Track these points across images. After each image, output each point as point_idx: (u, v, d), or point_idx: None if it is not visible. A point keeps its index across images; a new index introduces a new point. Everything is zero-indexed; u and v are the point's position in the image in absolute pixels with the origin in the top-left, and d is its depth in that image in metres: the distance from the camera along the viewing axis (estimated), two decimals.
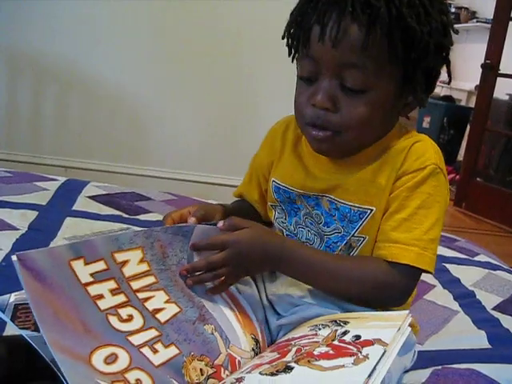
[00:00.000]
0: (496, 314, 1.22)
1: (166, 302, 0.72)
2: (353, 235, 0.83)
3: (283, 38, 0.82)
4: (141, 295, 0.70)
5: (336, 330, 0.69)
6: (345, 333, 0.67)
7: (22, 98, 2.80)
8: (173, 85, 2.80)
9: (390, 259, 0.78)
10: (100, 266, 0.68)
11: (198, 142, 2.87)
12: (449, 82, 0.87)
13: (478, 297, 1.31)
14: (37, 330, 0.67)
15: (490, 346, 1.05)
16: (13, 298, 0.74)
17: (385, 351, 0.60)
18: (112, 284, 0.68)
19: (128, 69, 2.78)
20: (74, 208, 1.48)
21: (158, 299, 0.71)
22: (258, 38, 2.53)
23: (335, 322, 0.73)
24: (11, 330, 0.82)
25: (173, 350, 0.67)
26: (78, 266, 0.65)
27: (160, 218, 1.52)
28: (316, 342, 0.67)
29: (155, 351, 0.65)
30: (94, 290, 0.65)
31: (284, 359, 0.64)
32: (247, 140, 2.49)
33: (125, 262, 0.71)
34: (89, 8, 2.67)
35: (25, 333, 0.63)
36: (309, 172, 0.87)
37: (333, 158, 0.85)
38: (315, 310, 0.80)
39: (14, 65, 2.76)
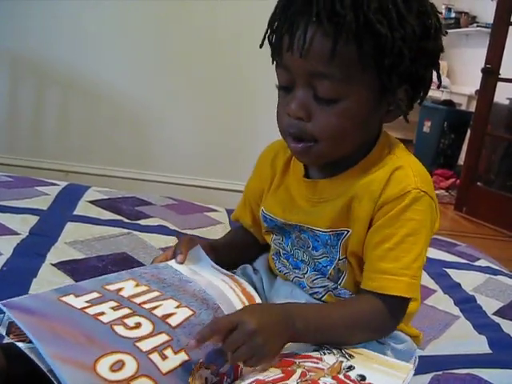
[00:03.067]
0: (497, 319, 1.22)
1: (177, 307, 0.70)
2: (339, 259, 0.82)
3: (261, 46, 0.80)
4: (147, 305, 0.68)
5: (341, 362, 0.68)
6: (350, 367, 0.67)
7: (23, 103, 2.80)
8: (174, 90, 2.80)
9: (380, 291, 0.76)
10: (93, 295, 0.66)
11: (199, 147, 2.87)
12: (438, 86, 0.85)
13: (478, 302, 1.31)
14: (32, 342, 0.67)
15: (490, 351, 1.05)
16: (7, 316, 0.74)
17: None
18: (112, 303, 0.66)
19: (129, 74, 2.78)
20: (74, 213, 1.49)
21: (167, 306, 0.69)
22: (257, 46, 2.53)
23: (340, 350, 0.72)
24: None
25: (182, 357, 0.64)
26: (70, 299, 0.63)
27: (161, 222, 1.53)
28: (321, 368, 0.66)
29: (164, 357, 0.63)
30: (92, 310, 0.63)
31: (288, 382, 0.63)
32: (248, 145, 2.50)
33: (120, 289, 0.69)
34: (90, 13, 2.68)
35: (21, 345, 0.63)
36: (294, 203, 0.87)
37: (317, 165, 0.85)
38: None
39: (15, 69, 2.77)
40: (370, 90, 0.75)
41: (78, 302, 0.63)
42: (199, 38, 2.73)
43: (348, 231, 0.80)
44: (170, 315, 0.68)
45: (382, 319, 0.77)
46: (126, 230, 1.41)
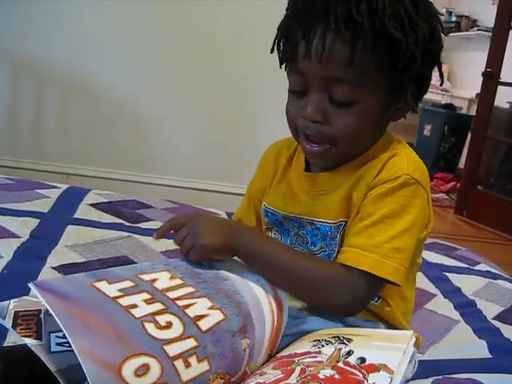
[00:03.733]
0: (497, 324, 1.22)
1: (210, 308, 0.68)
2: (337, 251, 0.82)
3: (272, 52, 0.82)
4: (181, 302, 0.66)
5: (340, 349, 0.68)
6: (349, 353, 0.66)
7: (23, 105, 2.80)
8: (174, 91, 2.81)
9: (346, 263, 0.76)
10: (126, 284, 0.64)
11: (199, 149, 2.87)
12: (441, 84, 0.88)
13: (478, 306, 1.31)
14: (39, 338, 0.67)
15: (490, 356, 1.05)
16: (12, 304, 0.73)
17: (391, 380, 0.60)
18: (145, 295, 0.64)
19: (130, 75, 2.78)
20: (75, 216, 1.48)
21: (200, 305, 0.67)
22: (258, 46, 2.53)
23: (338, 338, 0.72)
24: (12, 338, 0.82)
25: (204, 366, 0.62)
26: (103, 285, 0.61)
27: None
28: (320, 361, 0.66)
29: (188, 365, 0.61)
30: (125, 301, 0.61)
31: (288, 381, 0.63)
32: (249, 148, 2.50)
33: (154, 280, 0.67)
34: (90, 13, 2.68)
35: (28, 342, 0.63)
36: (294, 196, 0.89)
37: (329, 165, 0.86)
38: (317, 323, 0.80)
39: (15, 71, 2.77)
40: (382, 91, 0.77)
41: (111, 290, 0.61)
42: (199, 39, 2.73)
43: (346, 222, 0.81)
44: (201, 317, 0.66)
45: (340, 288, 0.77)
46: (126, 234, 1.41)
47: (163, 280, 0.67)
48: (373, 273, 0.75)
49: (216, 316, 0.67)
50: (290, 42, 0.78)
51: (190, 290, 0.68)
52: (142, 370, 0.56)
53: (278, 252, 0.79)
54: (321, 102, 0.77)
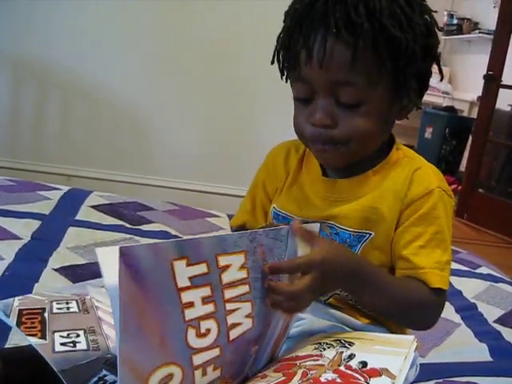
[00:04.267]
0: (498, 327, 1.22)
1: (247, 316, 0.67)
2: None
3: (272, 63, 0.82)
4: (229, 306, 0.65)
5: (341, 353, 0.68)
6: (350, 356, 0.66)
7: (24, 106, 2.81)
8: (175, 94, 2.81)
9: (431, 285, 0.78)
10: (201, 269, 0.63)
11: (200, 152, 2.87)
12: (441, 79, 0.88)
13: (479, 309, 1.31)
14: (43, 337, 0.67)
15: (491, 359, 1.05)
16: (17, 302, 0.74)
17: None
18: (207, 291, 0.63)
19: (131, 78, 2.79)
20: (76, 217, 1.49)
21: (242, 312, 0.67)
22: (259, 47, 2.53)
23: (340, 341, 0.72)
24: (14, 340, 0.83)
25: (217, 373, 0.63)
26: (180, 267, 0.60)
27: (162, 228, 1.53)
28: (322, 365, 0.66)
29: (204, 374, 0.62)
30: (186, 296, 0.60)
31: None
32: (250, 150, 2.50)
33: (226, 267, 0.65)
34: (92, 17, 2.69)
35: (33, 341, 0.63)
36: (308, 201, 0.88)
37: (338, 167, 0.85)
38: (319, 325, 0.80)
39: (16, 73, 2.78)
40: (387, 90, 0.78)
41: (183, 276, 0.59)
42: (200, 40, 2.73)
43: (370, 234, 0.82)
44: (235, 325, 0.65)
45: (428, 303, 0.79)
46: (127, 235, 1.41)
47: (232, 270, 0.65)
48: (444, 288, 0.79)
49: (247, 325, 0.67)
50: (290, 51, 0.78)
51: (245, 289, 0.67)
52: (166, 380, 0.57)
53: (378, 273, 0.80)
54: (328, 107, 0.77)
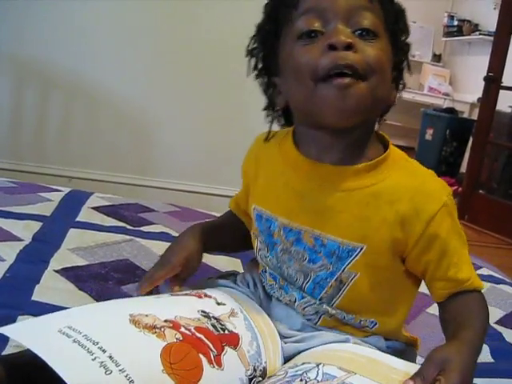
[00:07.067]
0: (499, 328, 1.22)
1: None
2: (343, 271, 0.76)
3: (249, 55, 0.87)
4: None
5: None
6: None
7: (26, 108, 2.81)
8: (176, 96, 2.81)
9: (478, 290, 0.79)
10: None
11: (201, 153, 2.87)
12: (408, 69, 0.85)
13: None
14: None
15: (492, 361, 1.05)
16: None
17: None
18: None
19: (132, 80, 2.79)
20: (77, 219, 1.49)
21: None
22: None
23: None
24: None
25: None
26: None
27: (163, 229, 1.53)
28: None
29: None
30: None
31: None
32: None
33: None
34: (93, 18, 2.69)
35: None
36: (297, 197, 0.79)
37: (347, 124, 0.75)
38: (329, 336, 0.79)
39: (18, 75, 2.78)
40: (388, 41, 0.76)
41: None
42: (200, 42, 2.73)
43: (362, 247, 0.75)
44: None
45: (487, 306, 0.80)
46: (128, 237, 1.41)
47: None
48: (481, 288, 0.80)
49: None
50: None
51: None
52: None
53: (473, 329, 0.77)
54: (346, 31, 0.72)
